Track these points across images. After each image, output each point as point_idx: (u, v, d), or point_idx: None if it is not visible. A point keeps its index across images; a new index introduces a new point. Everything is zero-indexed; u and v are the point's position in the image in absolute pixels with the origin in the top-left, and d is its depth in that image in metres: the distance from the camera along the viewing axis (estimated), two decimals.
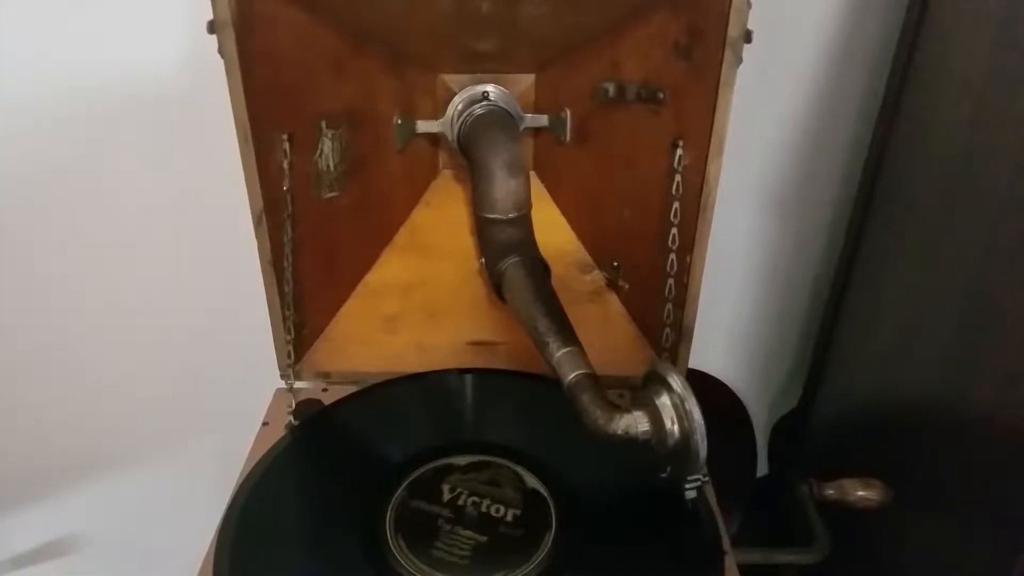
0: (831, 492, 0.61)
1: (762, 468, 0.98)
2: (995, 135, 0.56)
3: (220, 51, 0.51)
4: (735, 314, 0.91)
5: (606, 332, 0.69)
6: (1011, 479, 0.53)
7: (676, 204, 0.59)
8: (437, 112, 0.71)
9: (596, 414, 0.48)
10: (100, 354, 0.87)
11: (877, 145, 0.73)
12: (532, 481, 0.56)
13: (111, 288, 0.83)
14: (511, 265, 0.62)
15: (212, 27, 0.50)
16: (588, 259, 0.74)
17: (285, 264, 0.61)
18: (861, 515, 0.61)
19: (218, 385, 0.90)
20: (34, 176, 0.76)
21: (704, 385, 0.90)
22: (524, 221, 0.65)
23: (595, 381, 0.50)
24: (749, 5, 0.50)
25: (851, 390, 0.79)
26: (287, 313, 0.62)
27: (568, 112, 0.69)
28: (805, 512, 0.63)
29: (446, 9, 0.59)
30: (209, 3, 0.50)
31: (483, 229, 0.65)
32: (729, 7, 0.50)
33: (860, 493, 0.60)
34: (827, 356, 0.83)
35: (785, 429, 0.95)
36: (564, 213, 0.75)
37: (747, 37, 0.51)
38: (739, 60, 0.52)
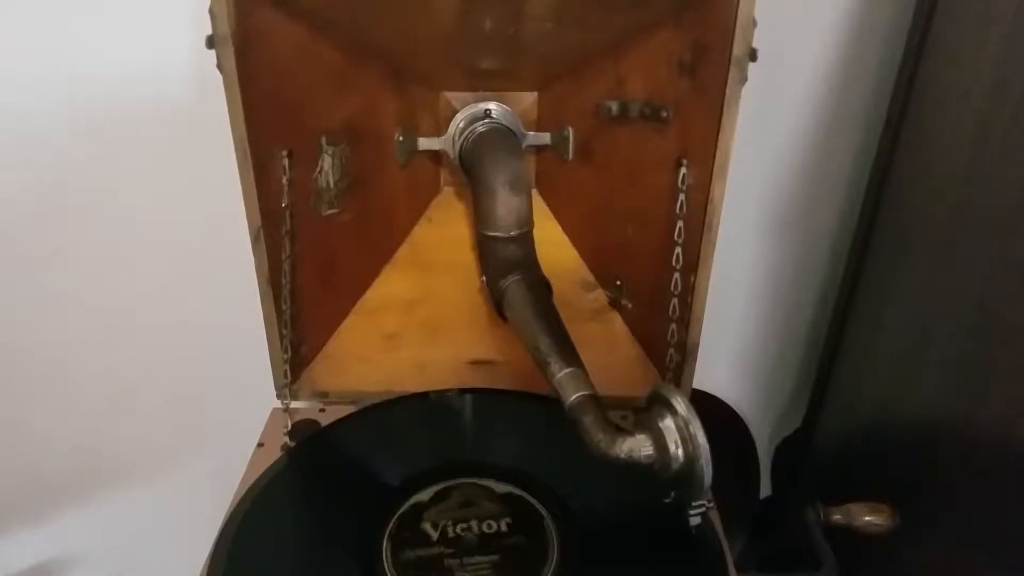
0: (838, 517, 0.60)
1: (765, 489, 0.97)
2: (1000, 151, 0.55)
3: (219, 66, 0.51)
4: (738, 334, 0.91)
5: (609, 352, 0.69)
6: (1021, 501, 0.52)
7: (680, 223, 0.59)
8: (439, 129, 0.70)
9: (599, 436, 0.47)
10: (95, 370, 0.86)
11: (881, 163, 0.72)
12: (534, 505, 0.54)
13: (107, 303, 0.82)
14: (513, 283, 0.61)
15: (211, 42, 0.50)
16: (591, 277, 0.73)
17: (283, 281, 0.60)
18: (867, 538, 0.60)
19: (216, 403, 0.89)
20: (33, 186, 0.75)
21: (706, 405, 0.89)
22: (526, 239, 0.65)
23: (597, 402, 0.49)
24: (755, 23, 0.50)
25: (855, 410, 0.78)
26: (284, 332, 0.61)
27: (571, 130, 0.68)
28: (811, 536, 0.62)
29: (449, 26, 0.59)
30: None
31: (485, 247, 0.65)
32: (735, 24, 0.49)
33: (867, 518, 0.59)
34: (831, 376, 0.82)
35: (789, 450, 0.94)
36: (567, 231, 0.74)
37: (752, 55, 0.51)
38: (744, 78, 0.51)
